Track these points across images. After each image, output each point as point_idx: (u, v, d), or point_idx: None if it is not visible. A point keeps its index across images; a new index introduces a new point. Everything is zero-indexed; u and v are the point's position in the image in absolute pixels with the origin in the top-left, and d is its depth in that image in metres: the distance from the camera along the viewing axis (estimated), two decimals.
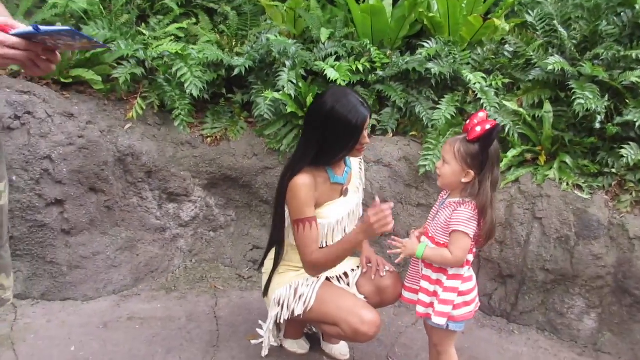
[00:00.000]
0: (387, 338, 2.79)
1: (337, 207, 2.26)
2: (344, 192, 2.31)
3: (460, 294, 2.08)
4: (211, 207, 3.29)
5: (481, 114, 1.99)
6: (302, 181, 2.10)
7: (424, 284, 2.12)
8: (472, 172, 1.98)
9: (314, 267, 2.16)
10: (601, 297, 2.85)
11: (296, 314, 2.20)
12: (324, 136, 2.10)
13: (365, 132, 2.15)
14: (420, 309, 2.12)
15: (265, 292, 2.37)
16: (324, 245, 2.26)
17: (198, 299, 2.97)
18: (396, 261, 2.18)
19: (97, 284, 2.88)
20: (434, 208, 2.19)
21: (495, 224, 2.05)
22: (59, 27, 1.31)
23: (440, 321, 2.06)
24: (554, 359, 2.78)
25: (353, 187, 2.39)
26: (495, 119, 2.96)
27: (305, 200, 2.11)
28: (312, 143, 2.14)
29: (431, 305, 2.10)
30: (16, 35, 1.30)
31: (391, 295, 2.34)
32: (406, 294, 2.22)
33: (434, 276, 2.09)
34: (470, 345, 2.80)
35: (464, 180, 2.00)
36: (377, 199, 2.01)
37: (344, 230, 2.32)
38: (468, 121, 2.00)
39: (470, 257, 2.09)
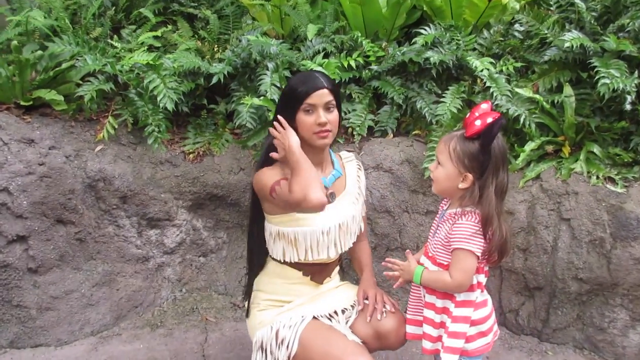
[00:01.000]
0: None
1: (322, 214, 1.90)
2: (328, 197, 1.96)
3: (473, 323, 1.73)
4: (199, 230, 2.98)
5: (484, 105, 1.66)
6: (266, 170, 1.93)
7: (428, 313, 1.78)
8: (470, 176, 1.65)
9: (297, 196, 1.78)
10: None
11: None
12: (278, 111, 1.95)
13: (324, 112, 1.87)
14: (426, 345, 1.78)
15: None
16: (309, 257, 1.98)
17: (186, 335, 2.67)
18: (394, 286, 1.86)
19: (71, 326, 2.60)
20: (434, 222, 1.85)
21: (509, 238, 1.68)
22: None
23: (452, 359, 1.71)
24: None
25: (350, 197, 2.06)
26: (506, 110, 2.61)
27: (269, 174, 1.90)
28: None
29: (439, 339, 1.75)
30: None
31: (393, 341, 1.98)
32: (409, 328, 1.88)
33: (439, 303, 1.75)
34: None
35: (461, 185, 1.67)
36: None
37: (335, 245, 2.00)
38: (468, 114, 1.67)
39: (482, 279, 1.74)
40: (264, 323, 1.99)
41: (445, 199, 1.86)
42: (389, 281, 2.79)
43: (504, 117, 1.62)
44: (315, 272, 2.05)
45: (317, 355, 1.83)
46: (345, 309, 2.03)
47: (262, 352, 1.94)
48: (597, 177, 2.49)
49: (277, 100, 2.72)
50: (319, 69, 2.69)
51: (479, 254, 1.65)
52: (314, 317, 1.95)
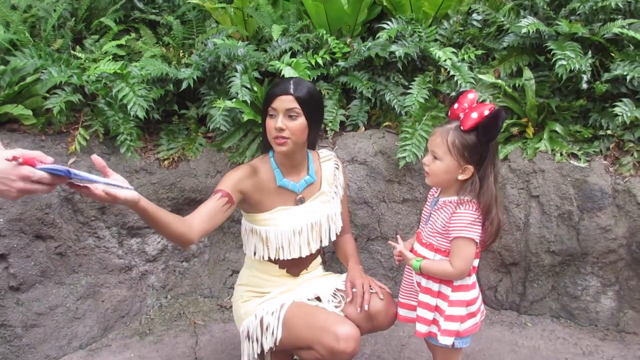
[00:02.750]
0: (389, 353, 2.51)
1: (291, 214, 2.01)
2: (297, 201, 2.03)
3: (466, 304, 1.80)
4: None
5: (471, 95, 1.68)
6: (237, 167, 2.00)
7: (425, 297, 1.82)
8: (470, 168, 1.68)
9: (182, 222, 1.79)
10: (616, 272, 2.59)
11: (266, 347, 1.93)
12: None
13: (284, 118, 1.88)
14: (421, 328, 1.83)
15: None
16: (280, 256, 2.03)
17: (176, 340, 2.67)
18: (397, 262, 1.91)
19: (59, 341, 2.57)
20: (425, 209, 1.89)
21: (502, 225, 1.76)
22: (93, 176, 1.46)
23: (448, 341, 1.77)
24: (575, 349, 2.52)
25: (324, 197, 2.12)
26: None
27: (233, 177, 1.94)
28: None
29: (435, 322, 1.81)
30: (43, 170, 1.34)
31: (383, 320, 2.03)
32: (402, 312, 1.93)
33: (436, 287, 1.80)
34: (481, 348, 2.52)
35: (460, 177, 1.70)
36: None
37: (308, 244, 2.06)
38: (456, 105, 1.69)
39: (476, 262, 1.80)
40: (248, 313, 2.05)
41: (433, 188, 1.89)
42: (373, 269, 2.87)
43: (501, 110, 1.65)
44: (291, 265, 2.11)
45: (301, 331, 1.89)
46: (335, 293, 2.06)
47: (249, 341, 1.99)
48: (561, 154, 2.63)
49: (249, 102, 2.76)
50: (293, 72, 2.72)
51: (477, 240, 1.70)
52: (294, 301, 2.01)
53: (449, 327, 1.76)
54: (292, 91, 1.89)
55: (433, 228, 1.78)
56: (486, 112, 1.62)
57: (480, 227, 1.70)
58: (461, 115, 1.67)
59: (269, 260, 2.07)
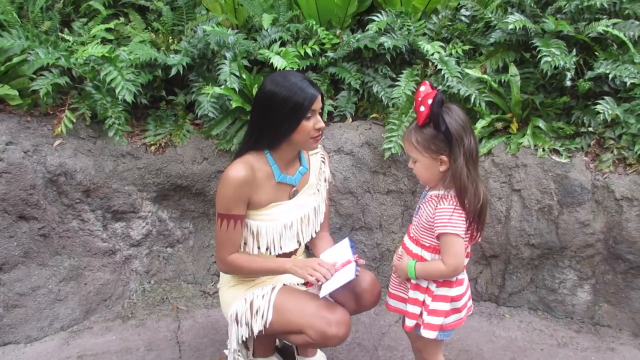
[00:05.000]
0: (369, 341, 2.54)
1: (285, 210, 2.02)
2: (291, 194, 2.05)
3: (451, 300, 1.81)
4: (164, 221, 2.99)
5: (422, 88, 1.68)
6: (236, 173, 1.90)
7: (414, 294, 1.83)
8: (444, 157, 1.68)
9: (225, 265, 2.01)
10: (593, 266, 2.65)
11: (256, 331, 1.94)
12: (266, 118, 1.92)
13: (319, 116, 1.93)
14: (410, 323, 1.84)
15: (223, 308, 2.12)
16: (271, 250, 2.04)
17: (158, 325, 2.68)
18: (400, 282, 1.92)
19: (40, 322, 2.57)
20: (418, 203, 1.91)
21: (486, 201, 1.74)
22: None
23: (431, 335, 1.79)
24: (551, 340, 2.57)
25: (312, 189, 2.13)
26: (457, 90, 2.75)
27: (235, 196, 1.91)
28: (255, 126, 1.99)
29: (421, 315, 1.83)
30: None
31: (369, 299, 2.06)
32: (391, 302, 1.94)
33: (425, 284, 1.81)
34: (460, 337, 2.57)
35: (441, 169, 1.70)
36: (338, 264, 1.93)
37: (297, 236, 2.08)
38: (414, 103, 1.71)
39: (465, 261, 1.82)
40: (237, 297, 2.05)
41: None
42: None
43: (439, 93, 1.64)
44: (280, 255, 2.12)
45: (292, 315, 1.91)
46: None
47: (237, 325, 2.00)
48: (543, 150, 2.67)
49: (237, 90, 2.77)
50: (283, 62, 2.74)
51: (462, 233, 1.68)
52: (285, 285, 2.03)
53: (432, 321, 1.78)
54: (319, 90, 1.93)
55: (419, 222, 1.79)
56: (430, 102, 1.63)
57: (463, 218, 1.68)
58: (417, 112, 1.69)
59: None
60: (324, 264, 1.91)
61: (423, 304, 1.81)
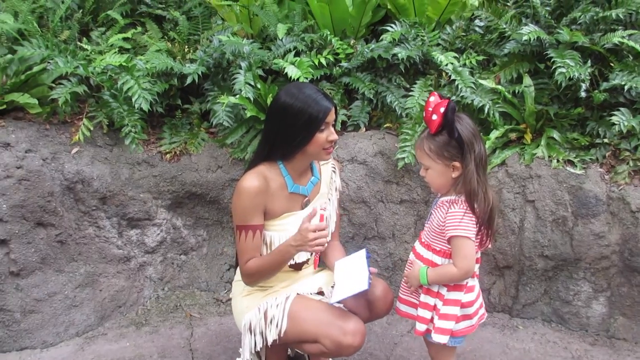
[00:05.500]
0: (381, 351, 2.54)
1: (297, 219, 2.02)
2: (303, 204, 2.07)
3: (461, 306, 1.83)
4: (179, 229, 3.02)
5: (432, 99, 1.75)
6: (250, 183, 1.93)
7: (425, 298, 1.86)
8: (456, 164, 1.74)
9: (247, 276, 2.01)
10: (608, 279, 2.63)
11: (270, 340, 1.95)
12: (279, 129, 1.94)
13: (332, 128, 1.95)
14: (420, 327, 1.87)
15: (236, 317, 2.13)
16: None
17: (172, 332, 2.70)
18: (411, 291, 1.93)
19: (56, 327, 2.60)
20: (429, 209, 1.94)
21: (496, 206, 1.80)
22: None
23: (442, 339, 1.81)
24: (565, 353, 2.55)
25: (323, 198, 2.15)
26: (471, 101, 2.75)
27: (251, 206, 1.93)
28: (268, 137, 2.01)
29: (432, 320, 1.84)
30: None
31: (381, 307, 2.07)
32: (402, 307, 1.96)
33: (436, 288, 1.83)
34: (472, 348, 2.56)
35: (454, 175, 1.76)
36: (322, 212, 1.92)
37: None
38: (424, 113, 1.77)
39: (476, 268, 1.84)
40: (250, 307, 2.06)
41: None
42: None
43: (452, 101, 1.70)
44: (292, 265, 2.13)
45: (307, 324, 1.91)
46: (332, 286, 2.08)
47: (251, 334, 2.01)
48: (558, 161, 2.66)
49: (252, 99, 2.79)
50: (297, 71, 2.77)
51: (473, 236, 1.73)
52: (298, 294, 2.03)
53: (443, 325, 1.79)
54: (333, 102, 1.95)
55: (431, 227, 1.83)
56: (442, 110, 1.68)
57: (473, 221, 1.73)
58: (428, 121, 1.74)
59: None
60: (313, 227, 1.88)
61: (434, 308, 1.84)
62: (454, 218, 1.74)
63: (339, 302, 1.90)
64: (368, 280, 1.84)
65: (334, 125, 1.99)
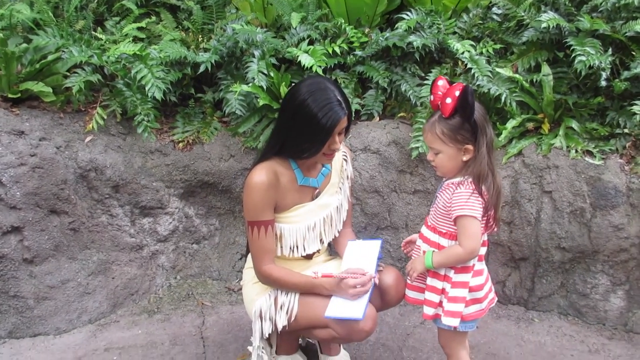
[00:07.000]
0: (394, 342, 2.51)
1: (308, 211, 2.01)
2: (314, 196, 2.04)
3: (470, 289, 1.80)
4: (191, 218, 3.02)
5: (440, 82, 1.74)
6: (259, 178, 1.89)
7: (432, 281, 1.84)
8: (469, 147, 1.72)
9: (263, 278, 2.00)
10: (627, 271, 2.56)
11: (280, 326, 1.94)
12: (290, 129, 1.89)
13: (338, 137, 1.89)
14: (428, 311, 1.85)
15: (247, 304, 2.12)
16: (294, 252, 2.03)
17: (183, 320, 2.71)
18: (411, 280, 1.89)
19: (69, 314, 2.62)
20: (435, 193, 1.91)
21: (501, 189, 1.78)
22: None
23: (453, 322, 1.78)
24: (582, 346, 2.50)
25: (333, 188, 2.12)
26: (487, 90, 2.70)
27: (261, 201, 1.90)
28: (280, 133, 1.96)
29: (440, 304, 1.82)
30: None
31: (393, 295, 2.05)
32: (410, 294, 1.94)
33: (443, 271, 1.82)
34: (487, 341, 2.52)
35: (464, 158, 1.74)
36: (371, 274, 1.92)
37: (320, 237, 2.07)
38: (432, 97, 1.75)
39: (483, 251, 1.82)
40: (261, 293, 2.04)
41: None
42: (381, 259, 2.87)
43: (468, 85, 1.69)
44: (303, 256, 2.11)
45: (318, 309, 1.90)
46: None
47: (261, 320, 2.00)
48: (576, 151, 2.60)
49: (265, 88, 2.77)
50: (310, 60, 2.74)
51: (479, 216, 1.72)
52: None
53: (453, 308, 1.77)
54: (346, 111, 1.86)
55: (437, 209, 1.82)
56: (457, 93, 1.66)
57: (480, 202, 1.72)
58: (439, 104, 1.72)
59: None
60: (353, 284, 1.88)
61: (442, 291, 1.82)
62: (460, 198, 1.72)
63: (329, 318, 1.87)
64: (365, 307, 1.83)
65: (346, 130, 1.94)
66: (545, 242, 2.62)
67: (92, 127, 2.76)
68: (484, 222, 1.77)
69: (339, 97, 1.85)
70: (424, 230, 1.88)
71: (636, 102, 2.54)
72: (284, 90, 2.80)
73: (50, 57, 2.82)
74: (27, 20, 3.02)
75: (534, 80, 2.77)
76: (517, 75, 2.75)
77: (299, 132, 1.87)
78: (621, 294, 2.59)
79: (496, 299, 1.94)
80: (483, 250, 1.82)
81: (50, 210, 2.57)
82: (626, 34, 2.69)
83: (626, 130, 2.59)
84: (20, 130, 2.55)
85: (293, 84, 2.29)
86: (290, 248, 2.04)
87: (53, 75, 2.83)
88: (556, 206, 2.59)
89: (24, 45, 2.87)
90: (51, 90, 2.71)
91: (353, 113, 2.85)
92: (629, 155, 2.58)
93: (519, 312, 2.74)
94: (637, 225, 2.48)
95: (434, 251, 1.81)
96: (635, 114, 2.51)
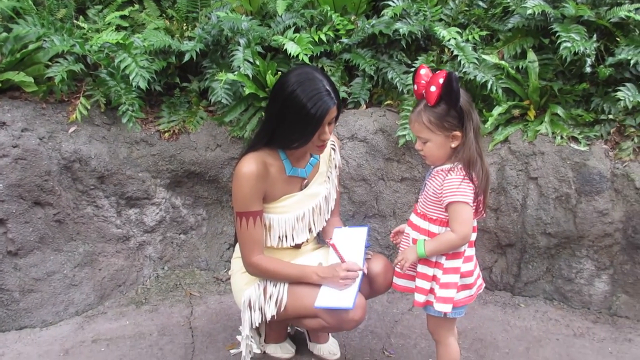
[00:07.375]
0: (382, 329, 2.53)
1: (296, 201, 2.01)
2: (302, 186, 2.04)
3: (461, 275, 1.81)
4: (178, 208, 3.00)
5: (423, 71, 1.73)
6: (248, 169, 1.88)
7: (423, 268, 1.83)
8: (457, 133, 1.73)
9: (252, 269, 1.99)
10: (611, 256, 2.60)
11: (269, 316, 1.94)
12: (280, 119, 1.87)
13: (328, 127, 1.88)
14: (419, 298, 1.85)
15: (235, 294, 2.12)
16: (284, 242, 2.03)
17: (171, 310, 2.70)
18: (404, 269, 1.87)
19: (56, 306, 2.60)
20: (424, 182, 1.91)
21: (489, 174, 1.80)
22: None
23: (445, 308, 1.79)
24: (567, 330, 2.53)
25: (322, 177, 2.12)
26: (474, 77, 2.71)
27: (250, 192, 1.89)
28: (269, 124, 1.94)
29: (432, 291, 1.82)
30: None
31: (382, 283, 2.06)
32: (399, 281, 1.94)
33: (434, 258, 1.81)
34: (474, 326, 2.54)
35: (453, 145, 1.74)
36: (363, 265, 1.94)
37: (309, 227, 2.07)
38: (415, 86, 1.74)
39: (474, 237, 1.82)
40: (250, 282, 2.04)
41: None
42: (369, 247, 2.87)
43: (451, 71, 1.67)
44: (292, 246, 2.11)
45: (307, 298, 1.90)
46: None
47: (250, 310, 2.00)
48: (562, 137, 2.62)
49: (250, 76, 2.74)
50: (296, 48, 2.72)
51: (470, 202, 1.72)
52: None
53: (445, 294, 1.78)
54: (335, 101, 1.84)
55: (426, 196, 1.81)
56: (441, 81, 1.66)
57: (471, 187, 1.72)
58: (424, 92, 1.71)
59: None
60: (351, 271, 1.89)
61: (433, 278, 1.82)
62: (451, 184, 1.72)
63: (319, 308, 1.88)
64: (355, 296, 1.84)
65: (336, 119, 1.93)
66: (531, 228, 2.64)
67: (76, 117, 2.72)
68: (474, 207, 1.78)
69: (327, 87, 1.83)
70: (414, 217, 1.87)
71: (620, 88, 2.56)
72: (270, 78, 2.78)
73: (31, 47, 2.77)
74: (6, 9, 2.95)
75: (520, 67, 2.78)
76: (503, 62, 2.76)
77: (288, 122, 1.86)
78: (605, 279, 2.62)
79: (484, 285, 1.96)
80: (474, 236, 1.83)
81: (34, 202, 2.53)
82: (610, 20, 2.70)
83: (611, 117, 2.61)
84: (2, 121, 2.51)
85: (281, 74, 2.26)
86: (279, 238, 2.04)
87: (34, 65, 2.78)
88: (542, 192, 2.61)
89: (4, 34, 2.80)
90: (33, 80, 2.66)
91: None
92: (614, 141, 2.60)
93: (506, 297, 2.77)
94: (621, 211, 2.51)
95: (425, 239, 1.81)
96: (619, 99, 2.53)
